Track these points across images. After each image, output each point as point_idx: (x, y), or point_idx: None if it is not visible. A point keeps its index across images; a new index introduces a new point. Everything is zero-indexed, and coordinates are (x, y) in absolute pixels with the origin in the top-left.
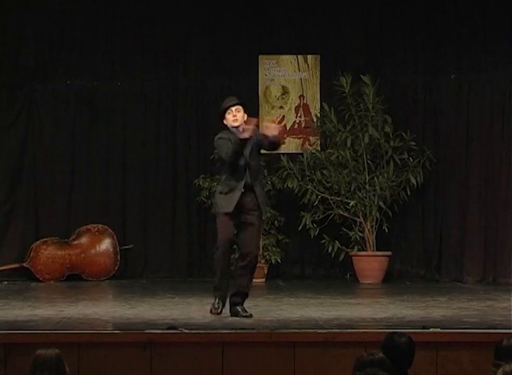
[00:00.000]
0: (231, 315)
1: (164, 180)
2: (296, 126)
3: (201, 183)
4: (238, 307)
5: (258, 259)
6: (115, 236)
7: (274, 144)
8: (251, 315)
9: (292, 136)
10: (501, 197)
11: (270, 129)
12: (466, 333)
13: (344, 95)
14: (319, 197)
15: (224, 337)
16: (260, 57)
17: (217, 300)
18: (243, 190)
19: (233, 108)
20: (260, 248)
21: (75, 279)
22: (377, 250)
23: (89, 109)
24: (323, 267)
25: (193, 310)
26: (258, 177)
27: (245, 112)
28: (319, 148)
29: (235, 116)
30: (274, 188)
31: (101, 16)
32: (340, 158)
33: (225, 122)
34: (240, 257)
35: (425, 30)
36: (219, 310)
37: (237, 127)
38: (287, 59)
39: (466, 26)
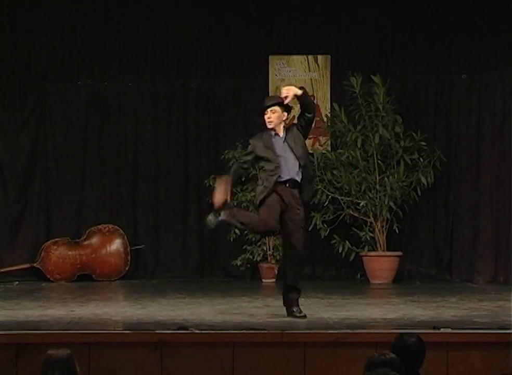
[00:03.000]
0: None
1: (175, 181)
2: None
3: (211, 183)
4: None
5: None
6: (125, 236)
7: (307, 101)
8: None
9: None
10: None
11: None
12: (477, 333)
13: (355, 95)
14: (330, 197)
15: (235, 337)
16: (270, 57)
17: None
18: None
19: (268, 109)
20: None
21: (85, 279)
22: (387, 250)
23: (100, 109)
24: (334, 267)
25: (204, 310)
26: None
27: (286, 110)
28: (329, 148)
29: (269, 118)
30: None
31: (112, 17)
32: (350, 158)
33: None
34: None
35: (436, 30)
36: None
37: (271, 129)
38: (297, 59)
39: (477, 26)
